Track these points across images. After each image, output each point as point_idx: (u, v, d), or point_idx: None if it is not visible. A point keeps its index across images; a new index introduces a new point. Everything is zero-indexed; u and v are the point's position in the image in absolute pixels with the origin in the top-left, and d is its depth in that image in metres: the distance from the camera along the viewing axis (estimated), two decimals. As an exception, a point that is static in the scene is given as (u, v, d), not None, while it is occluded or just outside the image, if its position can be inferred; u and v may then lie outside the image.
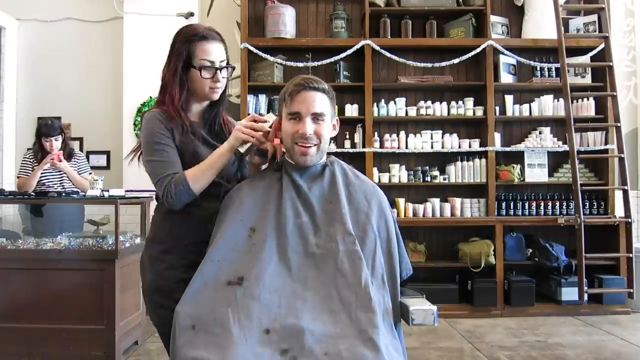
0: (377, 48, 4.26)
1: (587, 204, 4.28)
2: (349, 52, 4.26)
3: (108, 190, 3.30)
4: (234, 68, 1.63)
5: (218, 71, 1.51)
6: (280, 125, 1.48)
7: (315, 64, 4.30)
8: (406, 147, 4.36)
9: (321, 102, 1.41)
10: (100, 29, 4.70)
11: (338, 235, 1.35)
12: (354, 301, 1.26)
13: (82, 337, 2.90)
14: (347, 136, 4.40)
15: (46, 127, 3.60)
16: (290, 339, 1.19)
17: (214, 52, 1.50)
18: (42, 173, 3.56)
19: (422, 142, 4.38)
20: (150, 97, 4.43)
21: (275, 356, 1.17)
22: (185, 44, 1.50)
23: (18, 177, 3.66)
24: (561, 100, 4.30)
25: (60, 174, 3.63)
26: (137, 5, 4.46)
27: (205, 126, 1.61)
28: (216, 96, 1.56)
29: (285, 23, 4.28)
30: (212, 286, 1.30)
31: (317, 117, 1.41)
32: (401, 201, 4.31)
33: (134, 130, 4.42)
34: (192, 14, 4.49)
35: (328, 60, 4.27)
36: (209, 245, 1.43)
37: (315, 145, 1.42)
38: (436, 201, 4.34)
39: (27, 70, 4.70)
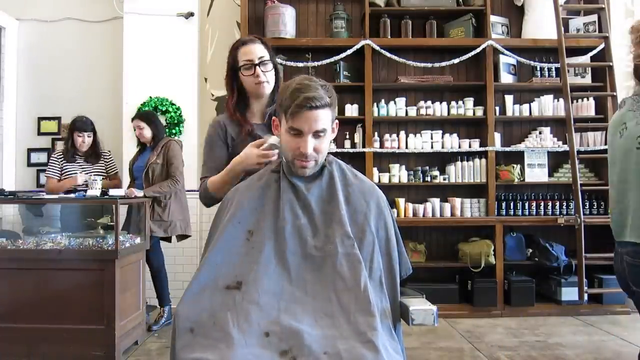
0: (377, 48, 4.26)
1: (587, 204, 4.28)
2: (349, 52, 4.26)
3: (108, 190, 3.30)
4: (274, 64, 1.84)
5: (257, 67, 1.73)
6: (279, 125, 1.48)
7: (315, 64, 4.30)
8: (406, 147, 4.36)
9: (323, 118, 1.38)
10: (100, 29, 4.70)
11: (337, 237, 1.34)
12: (353, 305, 1.26)
13: (82, 337, 2.91)
14: (347, 136, 4.40)
15: (81, 122, 3.71)
16: (290, 341, 1.19)
17: (251, 52, 1.76)
18: (69, 169, 3.68)
19: (422, 142, 4.38)
20: (150, 97, 4.43)
21: (275, 357, 1.17)
22: (231, 55, 1.78)
23: (47, 177, 3.75)
24: (561, 100, 4.30)
25: (89, 171, 3.68)
26: (137, 5, 4.46)
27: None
28: (264, 90, 1.76)
29: (285, 23, 4.28)
30: (211, 290, 1.30)
31: (318, 134, 1.39)
32: (401, 201, 4.31)
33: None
34: (192, 14, 4.49)
35: (328, 60, 4.27)
36: (206, 246, 1.44)
37: (314, 160, 1.42)
38: (436, 201, 4.34)
39: (27, 70, 4.70)
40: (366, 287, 1.28)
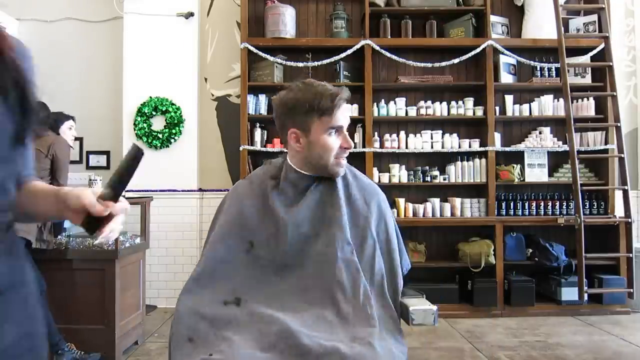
0: (377, 48, 4.26)
1: (587, 204, 4.27)
2: (349, 52, 4.26)
3: (108, 190, 3.29)
4: None
5: None
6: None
7: (315, 64, 4.30)
8: (406, 147, 4.36)
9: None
10: (100, 29, 4.70)
11: (337, 241, 1.34)
12: (351, 316, 1.26)
13: (82, 337, 2.91)
14: (347, 136, 4.39)
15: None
16: (289, 340, 1.19)
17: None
18: None
19: (422, 142, 4.38)
20: (150, 97, 4.44)
21: (275, 356, 1.17)
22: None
23: None
24: (561, 100, 4.30)
25: None
26: (137, 5, 4.46)
27: None
28: None
29: (285, 23, 4.28)
30: (210, 302, 1.30)
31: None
32: (401, 201, 4.30)
33: (134, 130, 4.43)
34: (192, 14, 4.49)
35: (328, 60, 4.27)
36: (204, 248, 1.43)
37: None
38: (436, 201, 4.34)
39: (27, 70, 4.69)
40: (365, 298, 1.28)
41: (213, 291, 1.31)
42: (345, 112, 1.38)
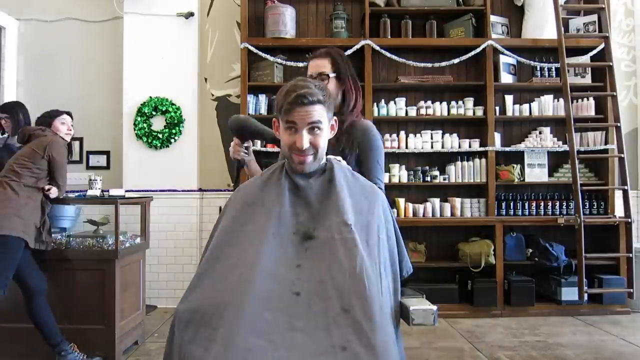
0: (377, 48, 4.26)
1: (587, 204, 4.27)
2: (349, 52, 4.24)
3: (108, 191, 3.30)
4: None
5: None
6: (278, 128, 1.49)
7: (315, 64, 4.29)
8: (406, 147, 4.36)
9: (317, 112, 1.39)
10: (100, 29, 4.70)
11: (334, 225, 1.33)
12: (347, 286, 1.23)
13: (82, 337, 2.91)
14: (347, 136, 4.39)
15: None
16: (283, 332, 1.19)
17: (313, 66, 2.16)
18: None
19: (422, 142, 4.38)
20: (150, 97, 4.43)
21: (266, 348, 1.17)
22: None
23: None
24: (561, 100, 4.30)
25: None
26: (137, 5, 4.46)
27: None
28: None
29: (285, 23, 4.28)
30: (211, 281, 1.32)
31: (313, 128, 1.40)
32: (401, 201, 4.31)
33: (134, 130, 4.43)
34: (192, 14, 4.49)
35: (328, 60, 4.26)
36: (208, 244, 1.44)
37: (312, 154, 1.41)
38: (436, 201, 4.34)
39: (27, 70, 4.70)
40: (362, 268, 1.25)
41: (214, 272, 1.33)
42: (302, 114, 1.38)
